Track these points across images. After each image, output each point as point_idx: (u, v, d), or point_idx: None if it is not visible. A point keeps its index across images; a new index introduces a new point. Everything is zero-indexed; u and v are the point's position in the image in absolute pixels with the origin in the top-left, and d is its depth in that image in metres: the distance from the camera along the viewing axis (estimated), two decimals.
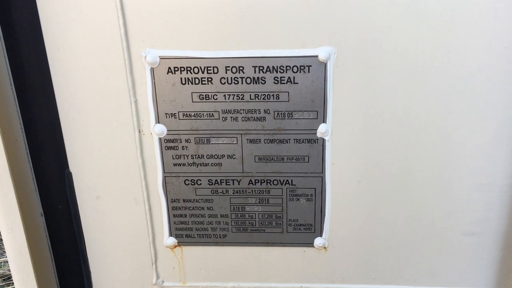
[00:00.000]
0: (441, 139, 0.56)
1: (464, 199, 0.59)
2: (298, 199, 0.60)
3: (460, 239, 0.62)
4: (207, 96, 0.56)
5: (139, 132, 0.58)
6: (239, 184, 0.60)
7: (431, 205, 0.60)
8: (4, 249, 1.41)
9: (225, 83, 0.55)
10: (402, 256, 0.63)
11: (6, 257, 1.35)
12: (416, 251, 0.63)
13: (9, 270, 1.31)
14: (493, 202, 0.59)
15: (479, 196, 0.59)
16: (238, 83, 0.55)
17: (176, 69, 0.54)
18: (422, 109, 0.55)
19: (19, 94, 0.56)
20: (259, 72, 0.54)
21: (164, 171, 0.60)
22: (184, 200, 0.61)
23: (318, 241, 0.63)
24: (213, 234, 0.63)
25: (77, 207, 0.62)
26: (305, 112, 0.56)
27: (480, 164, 0.57)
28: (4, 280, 1.27)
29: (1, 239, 1.43)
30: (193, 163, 0.59)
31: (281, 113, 0.56)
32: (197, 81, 0.55)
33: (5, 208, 0.57)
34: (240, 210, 0.62)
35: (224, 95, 0.55)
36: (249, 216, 0.62)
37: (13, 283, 1.26)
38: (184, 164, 0.59)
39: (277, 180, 0.60)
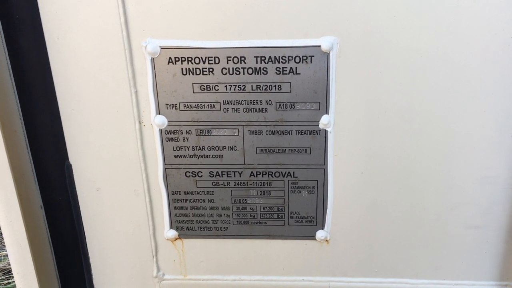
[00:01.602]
0: (444, 131, 0.56)
1: (467, 192, 0.59)
2: (300, 192, 0.60)
3: (463, 232, 0.61)
4: (208, 87, 0.55)
5: (140, 123, 0.57)
6: (240, 176, 0.60)
7: (434, 198, 0.59)
8: (3, 243, 1.40)
9: (226, 73, 0.54)
10: (404, 249, 0.63)
11: (5, 251, 1.35)
12: (418, 244, 0.62)
13: (9, 264, 1.31)
14: (497, 195, 0.59)
15: (482, 189, 0.59)
16: (239, 73, 0.54)
17: (177, 59, 0.54)
18: (425, 100, 0.54)
19: (18, 84, 0.55)
20: (261, 63, 0.54)
21: (164, 163, 0.59)
22: (185, 192, 0.61)
23: (320, 234, 0.62)
24: (214, 227, 0.63)
25: (77, 199, 0.62)
26: (307, 103, 0.55)
27: (483, 156, 0.57)
28: (4, 273, 1.27)
29: (1, 233, 1.43)
30: (194, 154, 0.59)
31: (283, 104, 0.55)
32: (198, 71, 0.54)
33: (4, 200, 0.57)
34: (241, 202, 0.61)
35: (226, 86, 0.55)
36: (250, 208, 0.61)
37: (13, 276, 1.26)
38: (185, 156, 0.59)
39: (278, 172, 0.59)
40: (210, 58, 0.54)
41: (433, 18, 0.51)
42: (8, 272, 1.27)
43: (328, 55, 0.53)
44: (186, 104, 0.56)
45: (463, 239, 0.62)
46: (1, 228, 0.59)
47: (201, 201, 0.61)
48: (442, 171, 0.58)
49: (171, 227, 0.63)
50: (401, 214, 0.61)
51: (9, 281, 1.23)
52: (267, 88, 0.55)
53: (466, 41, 0.52)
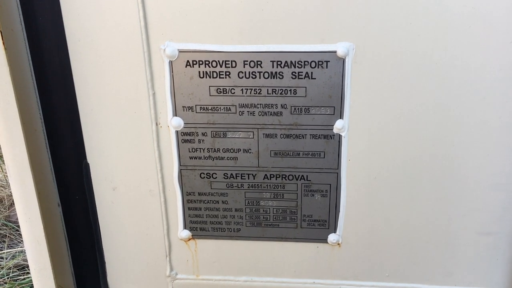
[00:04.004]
0: (458, 137, 0.56)
1: (480, 199, 0.59)
2: (313, 195, 0.61)
3: (476, 239, 0.61)
4: (224, 90, 0.56)
5: (157, 124, 0.58)
6: (254, 179, 0.60)
7: (447, 203, 0.60)
8: (19, 239, 1.43)
9: (242, 77, 0.55)
10: (416, 255, 0.63)
11: (21, 247, 1.38)
12: (430, 249, 0.62)
13: (23, 260, 1.33)
14: (510, 202, 0.59)
15: (495, 196, 0.59)
16: (255, 77, 0.55)
17: (194, 62, 0.55)
18: (440, 106, 0.55)
19: (39, 84, 0.57)
20: (277, 67, 0.54)
21: (180, 164, 0.60)
22: (199, 193, 0.62)
23: (332, 237, 0.63)
24: (227, 228, 0.64)
25: (94, 198, 0.63)
26: (322, 108, 0.56)
27: (497, 163, 0.57)
28: (19, 269, 1.29)
29: (16, 230, 1.46)
30: (209, 156, 0.59)
31: (298, 108, 0.56)
32: (215, 75, 0.55)
33: (23, 198, 0.58)
34: (255, 204, 0.62)
35: (242, 89, 0.56)
36: (263, 210, 0.62)
37: (27, 272, 1.29)
38: (200, 158, 0.60)
39: (292, 175, 0.60)
40: (227, 62, 0.55)
41: (449, 25, 0.51)
42: (22, 268, 1.29)
43: (343, 60, 0.53)
44: (202, 106, 0.57)
45: (475, 246, 0.62)
46: (20, 225, 0.60)
47: (215, 202, 0.62)
48: (456, 177, 0.58)
49: (185, 227, 0.64)
50: (413, 219, 0.61)
51: (24, 277, 1.25)
52: (283, 92, 0.55)
53: (481, 49, 0.52)
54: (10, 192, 0.63)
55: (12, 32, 0.53)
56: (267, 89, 0.55)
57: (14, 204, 0.60)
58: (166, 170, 0.61)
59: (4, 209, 1.56)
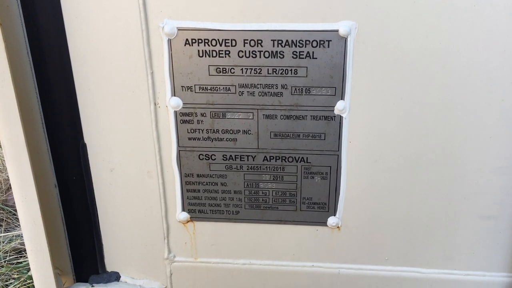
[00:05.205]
0: (461, 120, 0.55)
1: (481, 182, 0.58)
2: (312, 177, 0.60)
3: (476, 223, 0.61)
4: (224, 69, 0.55)
5: (155, 104, 0.57)
6: (253, 160, 0.60)
7: (448, 187, 0.59)
8: (16, 223, 1.43)
9: (242, 56, 0.54)
10: (416, 238, 0.62)
11: (18, 230, 1.37)
12: (430, 233, 0.62)
13: (21, 244, 1.33)
14: (511, 186, 0.58)
15: (497, 180, 0.58)
16: (256, 57, 0.54)
17: (193, 41, 0.54)
18: (442, 88, 0.54)
19: (35, 63, 0.56)
20: (278, 46, 0.53)
21: (178, 145, 0.59)
22: (198, 175, 0.61)
23: (331, 220, 0.62)
24: (226, 210, 0.63)
25: (91, 179, 0.62)
26: (323, 88, 0.55)
27: (499, 146, 0.56)
28: (16, 253, 1.29)
29: (13, 214, 1.45)
30: (208, 137, 0.59)
31: (299, 89, 0.55)
32: (214, 53, 0.54)
33: (20, 178, 0.58)
34: (254, 186, 0.61)
35: (242, 69, 0.55)
36: (262, 193, 0.62)
37: (24, 256, 1.28)
38: (199, 139, 0.59)
39: (292, 157, 0.59)
40: (226, 41, 0.54)
41: (453, 5, 0.50)
42: (19, 251, 1.30)
43: (345, 40, 0.52)
44: (201, 86, 0.56)
45: (475, 230, 0.61)
46: (16, 205, 0.60)
47: (213, 184, 0.62)
48: (457, 160, 0.57)
49: (183, 210, 0.63)
50: (413, 203, 0.60)
51: (20, 260, 1.25)
52: (283, 72, 0.54)
53: (486, 30, 0.51)
54: (7, 176, 0.62)
55: (7, 8, 0.52)
56: (267, 69, 0.54)
57: (11, 188, 0.59)
58: (164, 151, 0.60)
59: (1, 193, 1.55)
